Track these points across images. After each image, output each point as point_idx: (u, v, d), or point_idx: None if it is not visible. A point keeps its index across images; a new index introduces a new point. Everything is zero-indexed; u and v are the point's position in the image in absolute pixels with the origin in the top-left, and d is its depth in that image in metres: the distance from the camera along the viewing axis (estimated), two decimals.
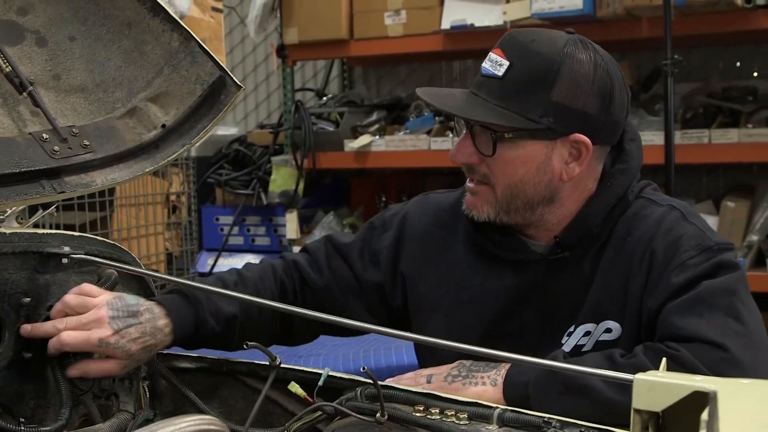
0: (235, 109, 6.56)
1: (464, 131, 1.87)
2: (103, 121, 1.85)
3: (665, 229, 1.82)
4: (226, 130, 6.10)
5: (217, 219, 5.81)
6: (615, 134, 1.88)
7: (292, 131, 5.34)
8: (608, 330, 1.83)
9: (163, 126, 1.87)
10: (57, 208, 4.08)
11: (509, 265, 1.92)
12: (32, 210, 2.14)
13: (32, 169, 1.68)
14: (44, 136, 1.73)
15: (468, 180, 1.91)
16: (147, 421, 1.72)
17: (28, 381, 1.67)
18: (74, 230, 3.81)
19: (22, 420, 1.56)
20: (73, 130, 1.78)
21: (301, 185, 5.35)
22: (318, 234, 5.42)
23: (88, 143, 1.78)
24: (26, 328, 1.66)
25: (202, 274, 5.61)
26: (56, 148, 1.73)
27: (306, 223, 5.54)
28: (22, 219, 2.06)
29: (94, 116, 1.85)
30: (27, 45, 1.85)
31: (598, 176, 1.89)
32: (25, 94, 1.76)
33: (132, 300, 1.75)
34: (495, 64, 1.83)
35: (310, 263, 2.08)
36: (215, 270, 5.64)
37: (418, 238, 2.04)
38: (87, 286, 1.72)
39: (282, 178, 5.41)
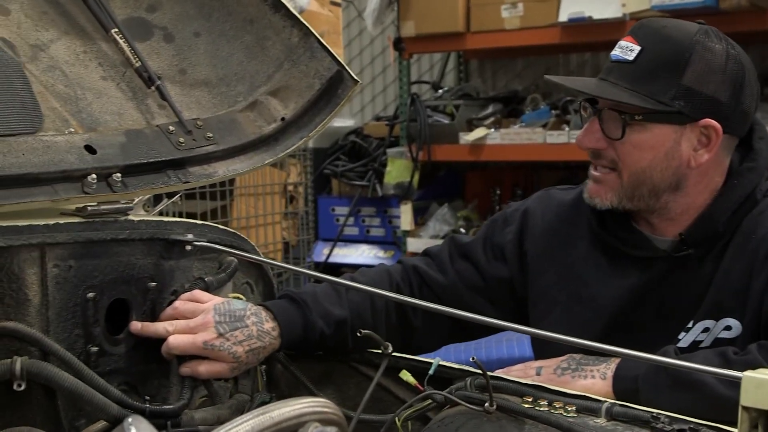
0: (352, 101, 6.63)
1: (592, 117, 1.88)
2: (226, 114, 1.92)
3: None
4: (343, 122, 6.18)
5: (333, 209, 5.90)
6: (744, 125, 1.86)
7: (407, 123, 5.38)
8: (728, 327, 1.81)
9: (283, 119, 1.93)
10: (180, 197, 4.22)
11: (633, 262, 1.92)
12: (157, 199, 2.23)
13: (159, 159, 1.76)
14: (170, 128, 1.81)
15: (592, 168, 1.91)
16: (263, 404, 1.78)
17: (153, 361, 1.75)
18: (196, 218, 3.93)
19: (147, 398, 1.64)
20: (198, 122, 1.85)
21: (416, 177, 5.39)
22: (432, 226, 5.45)
23: (211, 135, 1.85)
24: (136, 326, 1.71)
25: (317, 264, 5.71)
26: (181, 139, 1.80)
27: (420, 215, 5.57)
28: (148, 207, 2.15)
29: (217, 109, 1.92)
30: (155, 41, 1.93)
31: (725, 170, 1.88)
32: (153, 88, 1.84)
33: (239, 305, 1.79)
34: (625, 49, 1.84)
35: (432, 265, 2.09)
36: (330, 260, 5.75)
37: (540, 233, 2.05)
38: (197, 292, 1.78)
39: (397, 170, 5.46)
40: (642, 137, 1.83)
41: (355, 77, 1.92)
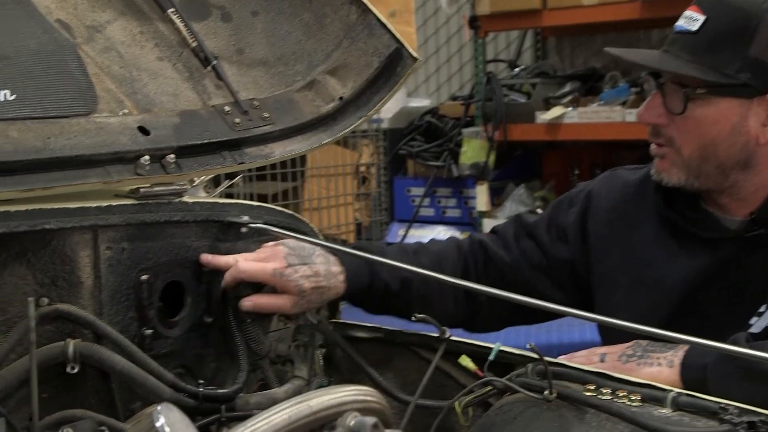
0: (427, 81, 6.59)
1: (653, 91, 1.81)
2: (283, 93, 1.88)
3: None
4: (418, 102, 6.14)
5: (409, 190, 5.87)
6: None
7: (483, 103, 5.31)
8: None
9: (341, 98, 1.89)
10: (251, 178, 4.23)
11: (700, 243, 1.84)
12: (218, 181, 2.22)
13: (214, 140, 1.73)
14: (226, 108, 1.78)
15: (652, 144, 1.84)
16: (320, 388, 1.75)
17: (208, 344, 1.74)
18: (267, 200, 3.95)
19: (201, 381, 1.62)
20: (254, 102, 1.82)
21: (492, 157, 5.33)
22: (508, 206, 5.38)
23: (267, 115, 1.82)
24: (206, 257, 1.70)
25: (391, 245, 5.68)
26: (237, 120, 1.78)
27: (496, 196, 5.51)
28: (209, 189, 2.14)
29: (275, 89, 1.89)
30: (213, 20, 1.91)
31: None
32: (209, 68, 1.81)
33: (309, 246, 1.78)
34: (689, 20, 1.77)
35: (497, 241, 2.05)
36: (406, 241, 5.71)
37: (604, 214, 1.98)
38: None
39: (473, 150, 5.40)
40: (704, 112, 1.75)
41: (415, 54, 1.87)
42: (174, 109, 1.74)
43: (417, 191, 5.80)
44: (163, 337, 1.66)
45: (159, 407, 0.94)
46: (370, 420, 1.00)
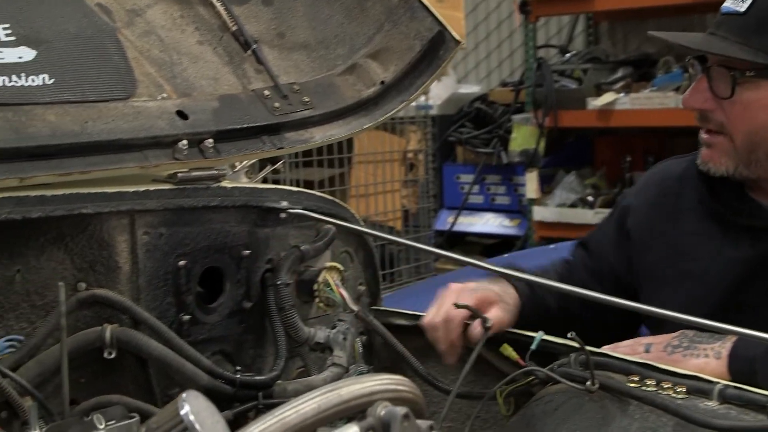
0: (477, 67, 6.54)
1: (699, 76, 1.76)
2: (324, 77, 1.86)
3: None
4: (468, 88, 6.10)
5: (458, 177, 5.83)
6: None
7: (533, 89, 5.26)
8: None
9: (382, 82, 1.86)
10: (297, 164, 4.22)
11: (746, 233, 1.78)
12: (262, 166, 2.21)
13: (253, 125, 1.72)
14: (266, 92, 1.77)
15: (701, 131, 1.79)
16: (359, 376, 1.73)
17: (248, 330, 1.72)
18: (313, 186, 3.93)
19: (238, 368, 1.61)
20: (294, 86, 1.80)
21: (542, 144, 5.27)
22: (558, 194, 5.32)
23: (308, 100, 1.80)
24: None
25: (441, 232, 5.66)
26: (277, 104, 1.76)
27: (546, 183, 5.45)
28: (251, 174, 2.12)
29: (316, 73, 1.87)
30: (254, 4, 1.89)
31: None
32: (249, 51, 1.80)
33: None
34: (737, 0, 1.71)
35: (574, 266, 2.02)
36: (455, 228, 5.68)
37: (641, 209, 1.93)
38: None
39: (523, 137, 5.35)
40: (754, 96, 1.69)
41: (458, 37, 1.83)
42: (213, 93, 1.73)
43: (466, 178, 5.76)
44: (201, 323, 1.65)
45: (184, 394, 0.93)
46: (401, 410, 0.98)
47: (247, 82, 1.79)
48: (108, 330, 1.50)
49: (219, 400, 1.54)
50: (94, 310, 1.53)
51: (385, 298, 2.06)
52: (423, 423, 1.00)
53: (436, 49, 1.85)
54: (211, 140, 1.64)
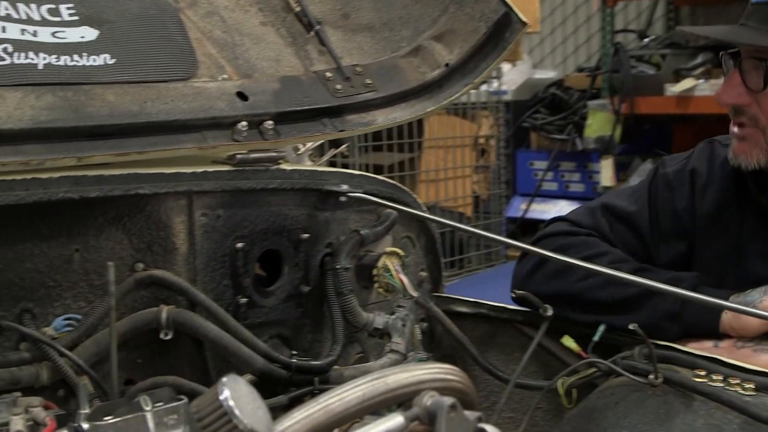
0: (553, 52, 6.44)
1: (732, 70, 1.68)
2: (388, 59, 1.83)
3: None
4: (544, 73, 6.02)
5: (531, 164, 5.76)
6: None
7: (610, 75, 5.15)
8: None
9: (447, 65, 1.82)
10: (366, 149, 4.20)
11: None
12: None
13: (314, 107, 1.70)
14: (328, 74, 1.74)
15: (732, 124, 1.71)
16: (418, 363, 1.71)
17: (305, 315, 1.71)
18: (382, 171, 3.90)
19: (294, 353, 1.59)
20: (357, 68, 1.78)
21: (618, 131, 5.17)
22: (634, 182, 5.20)
23: (370, 82, 1.77)
24: None
25: (513, 219, 5.59)
26: (339, 86, 1.73)
27: (622, 171, 5.34)
28: (314, 158, 2.11)
29: (379, 55, 1.84)
30: None
31: None
32: (312, 33, 1.78)
33: None
34: None
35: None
36: (528, 215, 5.61)
37: (711, 194, 1.82)
38: None
39: (598, 123, 5.26)
40: None
41: (524, 19, 1.79)
42: (275, 74, 1.71)
43: (540, 165, 5.69)
44: (259, 306, 1.63)
45: (225, 379, 0.91)
46: (448, 400, 0.95)
47: (309, 64, 1.77)
48: (164, 311, 1.49)
49: (275, 384, 1.54)
50: (152, 291, 1.52)
51: (454, 285, 2.03)
52: (471, 414, 0.97)
53: (501, 31, 1.81)
54: (271, 122, 1.62)
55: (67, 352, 1.39)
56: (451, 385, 1.03)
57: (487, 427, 0.98)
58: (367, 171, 2.00)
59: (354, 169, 1.96)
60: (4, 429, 1.24)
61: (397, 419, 0.95)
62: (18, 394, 1.32)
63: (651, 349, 1.42)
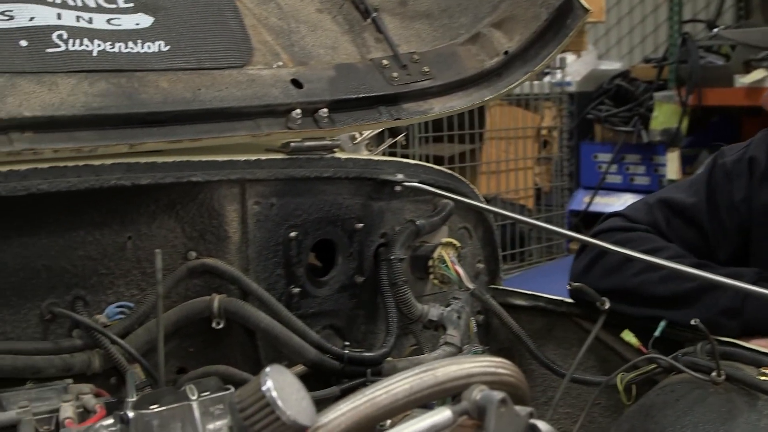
0: (619, 42, 6.34)
1: None
2: (446, 47, 1.80)
3: None
4: (609, 64, 5.93)
5: (596, 156, 5.67)
6: None
7: (677, 65, 5.05)
8: None
9: (506, 53, 1.79)
10: (427, 140, 4.17)
11: None
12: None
13: (370, 95, 1.67)
14: (384, 62, 1.72)
15: None
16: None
17: (359, 306, 1.69)
18: (442, 162, 3.86)
19: (346, 344, 1.57)
20: (414, 56, 1.75)
21: (685, 123, 5.07)
22: None
23: (428, 70, 1.74)
24: None
25: (576, 212, 5.51)
26: (395, 74, 1.71)
27: (688, 164, 5.23)
28: (371, 147, 2.08)
29: (437, 42, 1.81)
30: None
31: None
32: (369, 20, 1.75)
33: None
34: None
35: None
36: (591, 209, 5.53)
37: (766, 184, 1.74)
38: None
39: (664, 115, 5.16)
40: None
41: (586, 5, 1.74)
42: (331, 62, 1.69)
43: (604, 157, 5.59)
44: (312, 296, 1.62)
45: (268, 369, 0.89)
46: (498, 395, 0.92)
47: (366, 51, 1.75)
48: (216, 300, 1.48)
49: (327, 375, 1.52)
50: (204, 279, 1.51)
51: (514, 278, 2.00)
52: (522, 409, 0.94)
53: (563, 17, 1.76)
54: (325, 110, 1.60)
55: (118, 339, 1.38)
56: (502, 379, 1.00)
57: (539, 423, 0.95)
58: (427, 162, 1.96)
59: (413, 159, 1.93)
60: (54, 415, 1.24)
61: (444, 413, 0.93)
62: (70, 381, 1.32)
63: (714, 345, 1.37)
